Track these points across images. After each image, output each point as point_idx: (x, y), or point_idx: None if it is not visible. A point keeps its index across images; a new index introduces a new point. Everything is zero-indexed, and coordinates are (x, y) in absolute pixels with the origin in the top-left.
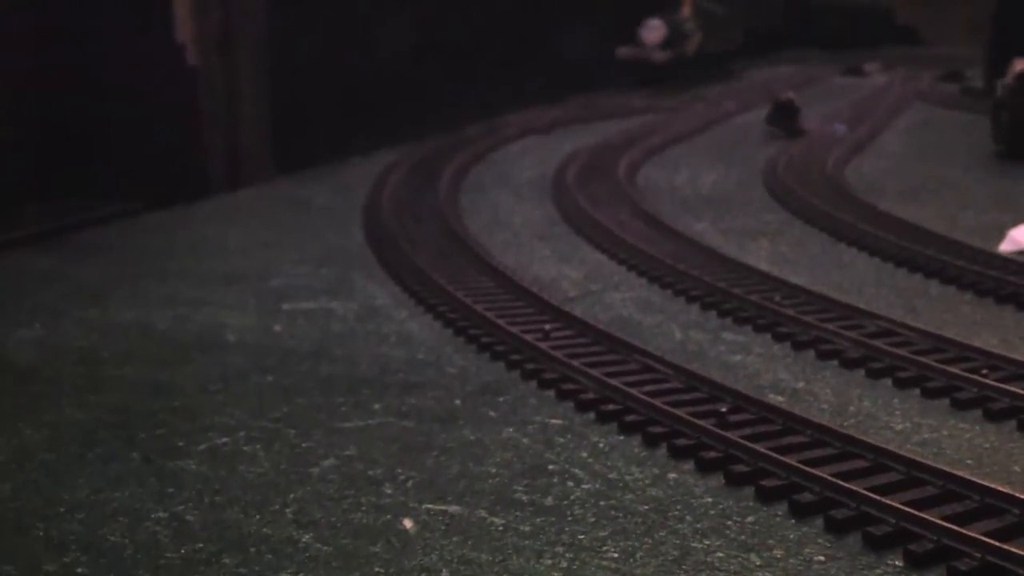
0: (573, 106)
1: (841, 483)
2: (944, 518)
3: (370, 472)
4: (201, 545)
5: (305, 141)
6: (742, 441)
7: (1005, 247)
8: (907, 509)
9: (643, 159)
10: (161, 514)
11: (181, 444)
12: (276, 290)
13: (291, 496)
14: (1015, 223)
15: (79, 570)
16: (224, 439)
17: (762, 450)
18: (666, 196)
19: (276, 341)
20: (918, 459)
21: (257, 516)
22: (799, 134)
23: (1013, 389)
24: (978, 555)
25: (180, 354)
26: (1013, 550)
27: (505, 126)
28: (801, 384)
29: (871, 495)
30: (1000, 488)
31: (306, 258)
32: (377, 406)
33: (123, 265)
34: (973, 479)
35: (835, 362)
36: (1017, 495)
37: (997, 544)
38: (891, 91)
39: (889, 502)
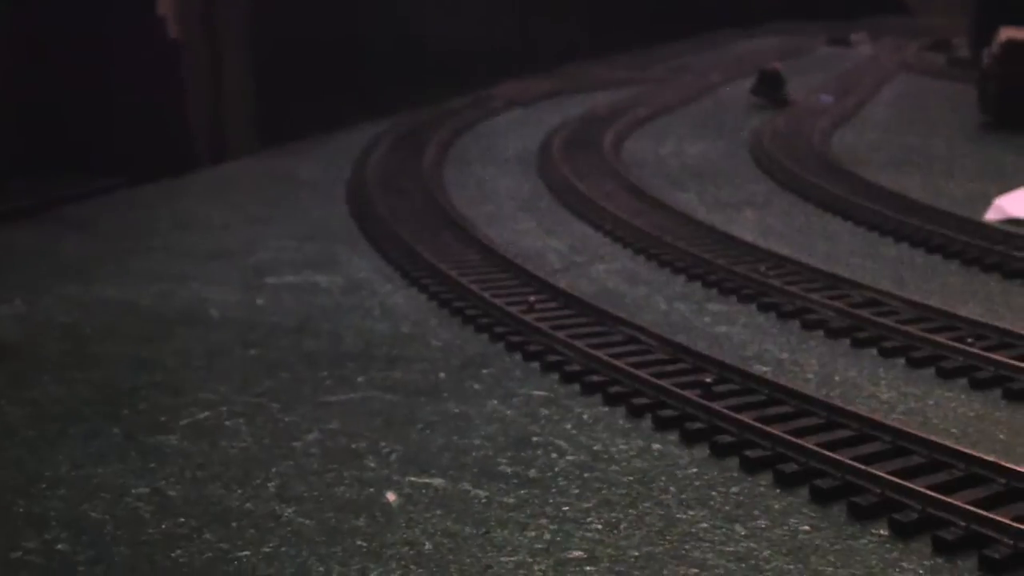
0: (560, 78)
1: (826, 453)
2: (929, 487)
3: (353, 446)
4: (183, 520)
5: (290, 114)
6: (727, 412)
7: (991, 216)
8: (892, 478)
9: (629, 131)
10: (143, 489)
11: (163, 419)
12: (260, 264)
13: (274, 470)
14: (1001, 192)
15: (60, 546)
16: (207, 414)
17: (747, 421)
18: (652, 168)
19: (260, 316)
20: (903, 428)
21: (239, 491)
22: (785, 105)
23: (998, 358)
24: (963, 524)
25: (163, 330)
26: (998, 519)
27: (491, 97)
28: (786, 355)
29: (856, 465)
30: (985, 457)
31: (290, 232)
32: (361, 380)
33: (106, 241)
34: (958, 448)
35: (821, 332)
36: (1002, 464)
37: (982, 513)
38: (877, 61)
39: (874, 472)
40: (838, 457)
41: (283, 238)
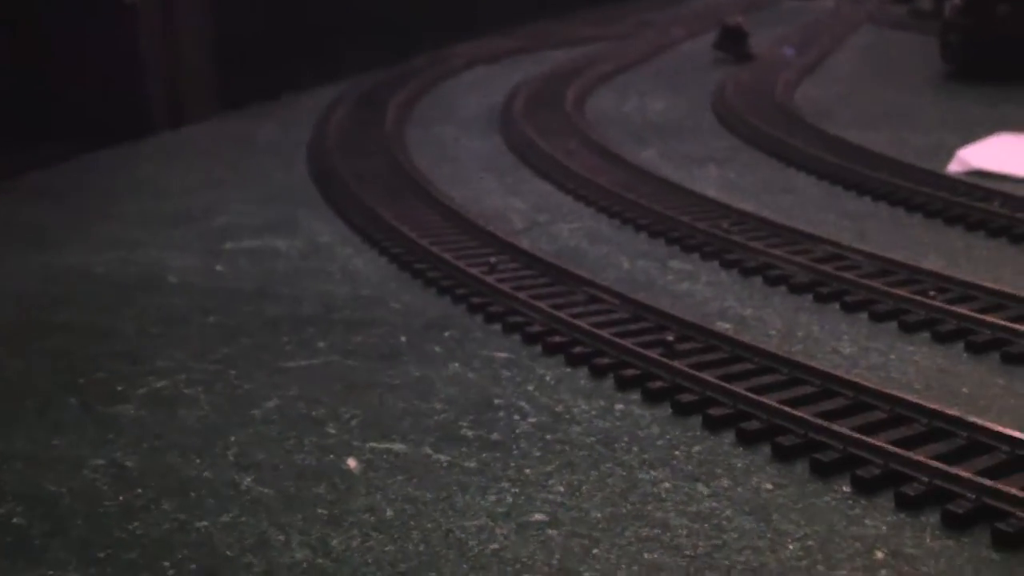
0: (522, 36)
1: (788, 410)
2: (892, 442)
3: (313, 412)
4: (140, 491)
5: (249, 76)
6: (688, 370)
7: (953, 167)
8: (854, 435)
9: (591, 88)
10: (99, 461)
11: (121, 389)
12: (219, 229)
13: (232, 439)
14: (963, 143)
15: (15, 520)
16: (164, 383)
17: (709, 379)
18: (614, 125)
19: (219, 281)
20: (866, 384)
21: (197, 460)
22: (748, 59)
23: (960, 311)
24: (926, 479)
25: (121, 297)
26: (961, 474)
27: (453, 56)
28: (749, 311)
29: (818, 421)
30: (948, 411)
31: (250, 196)
32: (321, 344)
33: (63, 208)
34: (921, 403)
35: (783, 288)
36: (965, 418)
37: (945, 468)
38: (840, 14)
39: (836, 428)
40: (800, 414)
41: (242, 202)
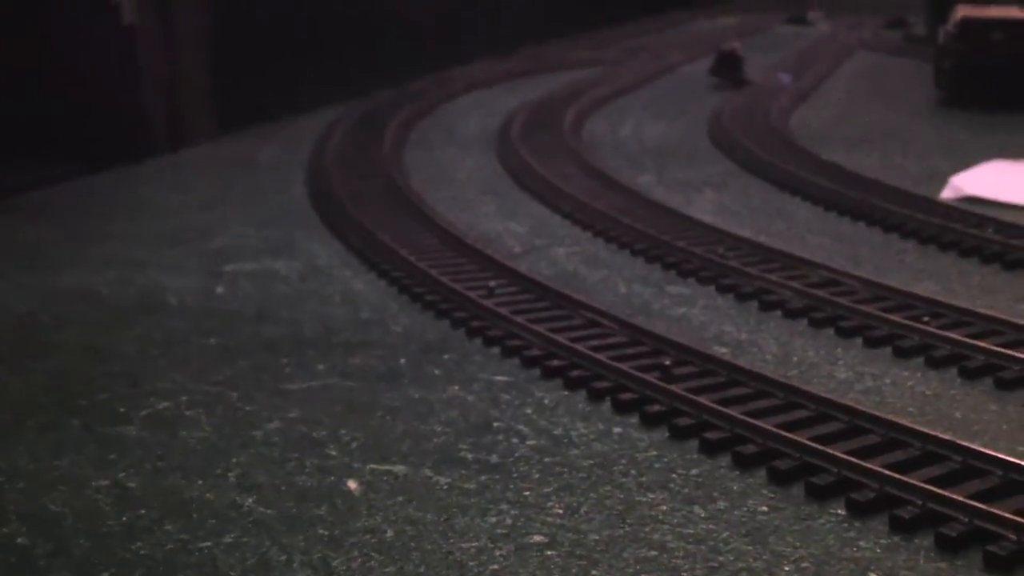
0: (520, 59)
1: (784, 433)
2: (886, 466)
3: (314, 434)
4: (143, 512)
5: (249, 99)
6: (686, 394)
7: (946, 194)
8: (849, 458)
9: (588, 112)
10: (102, 481)
11: (122, 410)
12: (219, 251)
13: (234, 460)
14: (956, 170)
15: (19, 540)
16: (166, 404)
17: (706, 403)
18: (611, 149)
19: (218, 303)
20: (860, 408)
21: (200, 481)
22: (743, 84)
23: (954, 336)
24: (919, 502)
25: (121, 318)
26: (954, 497)
27: (451, 80)
28: (745, 335)
29: (814, 445)
30: (941, 435)
31: (249, 218)
32: (321, 367)
33: (64, 228)
34: (915, 427)
35: (779, 313)
36: (958, 442)
37: (938, 491)
38: (835, 39)
39: (832, 452)
40: (796, 437)
41: (242, 224)
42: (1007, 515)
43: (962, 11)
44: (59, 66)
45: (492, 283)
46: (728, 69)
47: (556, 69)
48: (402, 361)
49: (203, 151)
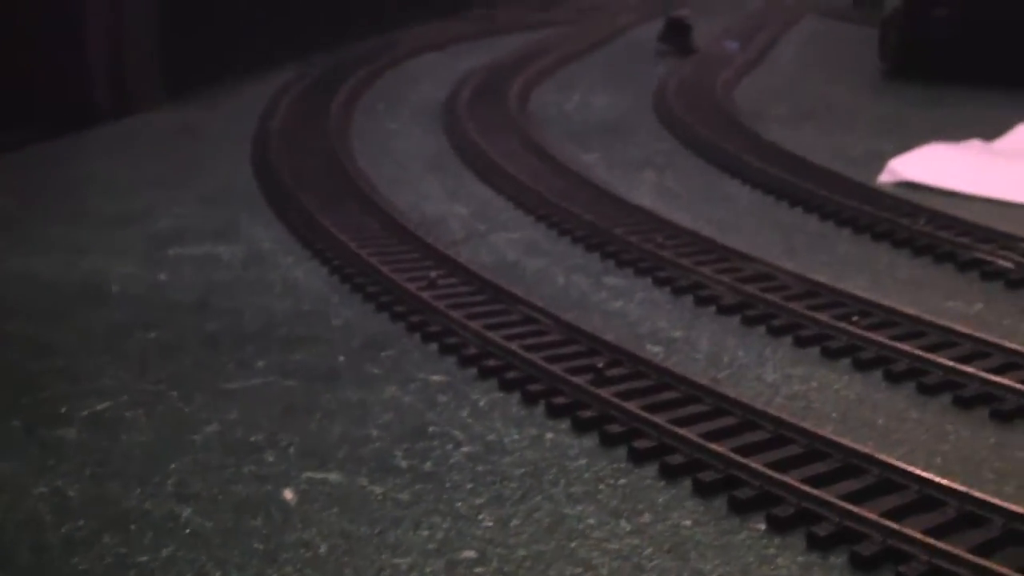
0: (472, 21)
1: (708, 444)
2: (804, 480)
3: (252, 438)
4: (82, 523)
5: (196, 63)
6: (615, 400)
7: (884, 178)
8: (769, 472)
9: (536, 80)
10: (43, 489)
11: (63, 410)
12: (163, 233)
13: (172, 466)
14: (897, 151)
15: None
16: (107, 404)
17: (634, 410)
18: (557, 124)
19: (161, 292)
20: (785, 417)
21: (138, 490)
22: (691, 52)
23: (880, 338)
24: (836, 519)
25: (64, 307)
26: (867, 515)
27: (402, 43)
28: (679, 332)
29: (736, 457)
30: (861, 448)
31: (194, 195)
32: (261, 364)
33: (3, 206)
34: (836, 439)
35: (712, 308)
36: (876, 456)
37: (853, 508)
38: (784, 3)
39: (753, 465)
40: (720, 449)
41: (186, 203)
42: (918, 535)
43: None
44: None
45: (433, 274)
46: (676, 37)
47: (509, 31)
48: (341, 359)
49: (148, 120)
